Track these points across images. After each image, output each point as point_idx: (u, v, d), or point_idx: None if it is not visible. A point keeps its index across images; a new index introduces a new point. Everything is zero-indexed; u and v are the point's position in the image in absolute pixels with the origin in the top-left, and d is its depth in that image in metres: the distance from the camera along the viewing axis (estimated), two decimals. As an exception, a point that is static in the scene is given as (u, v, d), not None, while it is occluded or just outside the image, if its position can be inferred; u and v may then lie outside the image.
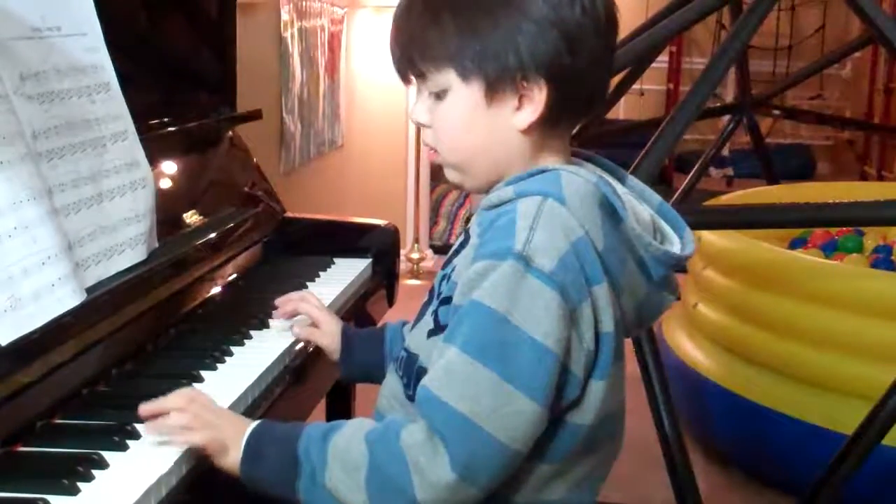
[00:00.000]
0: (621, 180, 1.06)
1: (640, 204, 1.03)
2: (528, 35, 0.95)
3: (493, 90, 0.98)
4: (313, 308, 1.31)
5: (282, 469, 0.97)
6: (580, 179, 0.96)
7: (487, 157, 1.02)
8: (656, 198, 1.06)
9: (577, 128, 1.08)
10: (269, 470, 0.97)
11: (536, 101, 0.98)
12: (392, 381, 1.08)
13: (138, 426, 1.03)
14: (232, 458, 0.99)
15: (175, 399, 1.02)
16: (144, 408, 1.01)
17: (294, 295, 1.35)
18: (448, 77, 0.99)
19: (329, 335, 1.28)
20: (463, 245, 1.01)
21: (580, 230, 0.94)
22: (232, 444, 0.99)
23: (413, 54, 1.00)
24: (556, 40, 0.96)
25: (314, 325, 1.31)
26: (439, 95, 1.01)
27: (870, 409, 1.89)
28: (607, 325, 0.96)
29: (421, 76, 1.01)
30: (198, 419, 1.00)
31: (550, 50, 0.96)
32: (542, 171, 0.98)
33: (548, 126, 1.00)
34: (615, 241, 0.97)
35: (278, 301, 1.35)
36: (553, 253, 0.92)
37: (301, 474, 0.96)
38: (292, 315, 1.34)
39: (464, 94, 0.99)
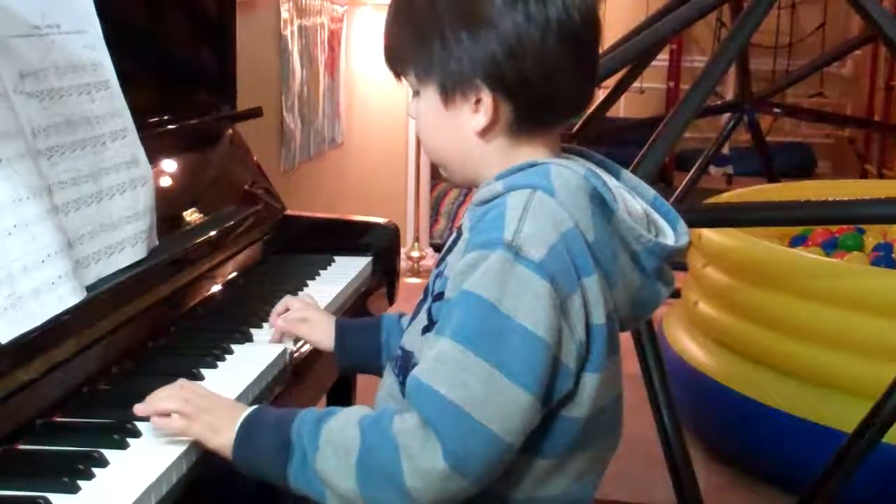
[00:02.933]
0: (615, 175, 1.06)
1: (632, 197, 1.04)
2: (466, 43, 0.97)
3: (445, 95, 1.01)
4: (301, 304, 1.32)
5: (274, 451, 0.97)
6: (570, 172, 0.97)
7: (457, 156, 1.05)
8: (650, 191, 1.07)
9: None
10: (262, 452, 0.98)
11: (486, 106, 0.99)
12: (389, 380, 1.08)
13: (139, 424, 1.03)
14: (224, 439, 0.99)
15: (166, 389, 1.03)
16: (139, 408, 1.02)
17: (285, 297, 1.37)
18: (412, 80, 1.04)
19: (318, 328, 1.29)
20: (455, 242, 1.02)
21: (570, 222, 0.94)
22: (225, 425, 0.99)
23: (388, 56, 1.06)
24: (493, 49, 0.97)
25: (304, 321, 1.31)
26: (415, 94, 1.05)
27: (870, 407, 1.89)
28: (599, 317, 0.96)
29: (401, 75, 1.05)
30: (189, 403, 1.01)
31: (488, 58, 0.97)
32: (532, 165, 0.98)
33: (510, 130, 1.01)
34: (606, 233, 0.97)
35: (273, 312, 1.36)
36: (542, 243, 0.92)
37: (292, 457, 0.96)
38: (283, 314, 1.34)
39: (426, 97, 1.03)
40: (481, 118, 1.00)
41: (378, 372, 1.13)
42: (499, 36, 0.96)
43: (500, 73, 0.97)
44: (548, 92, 0.99)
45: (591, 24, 1.00)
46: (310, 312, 1.31)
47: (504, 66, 0.97)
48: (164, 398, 1.02)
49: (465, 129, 1.01)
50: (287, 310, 1.33)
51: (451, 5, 0.98)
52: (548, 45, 0.97)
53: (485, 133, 1.01)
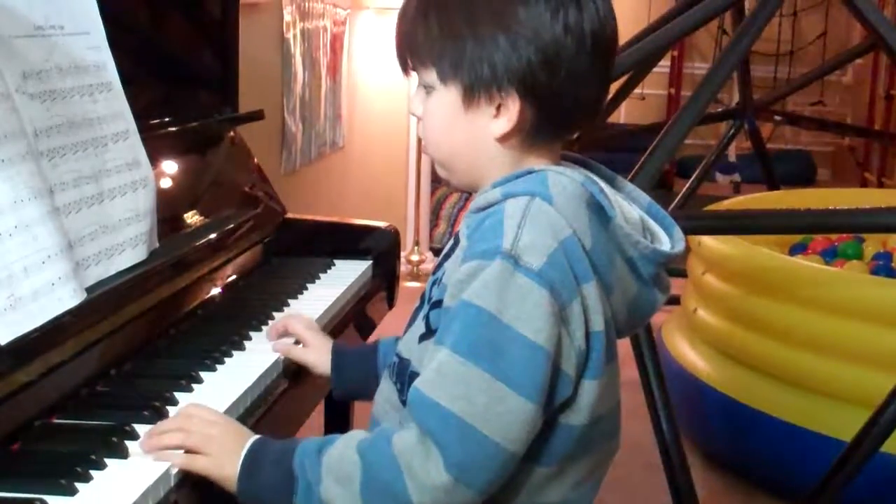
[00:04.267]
0: (611, 182, 1.06)
1: (628, 204, 1.03)
2: (503, 48, 0.96)
3: (469, 96, 0.99)
4: (301, 327, 1.31)
5: (278, 484, 0.96)
6: (567, 179, 0.97)
7: (466, 158, 1.03)
8: (645, 198, 1.07)
9: (574, 136, 1.08)
10: (266, 486, 0.97)
11: (511, 112, 0.98)
12: (386, 388, 1.08)
13: (137, 427, 1.03)
14: (228, 472, 0.98)
15: (172, 421, 1.02)
16: (142, 444, 1.00)
17: (283, 316, 1.36)
18: (431, 76, 1.01)
19: (316, 352, 1.27)
20: (452, 249, 1.02)
21: (568, 229, 0.94)
22: (229, 458, 0.98)
23: (404, 48, 1.03)
24: (531, 56, 0.96)
25: (302, 343, 1.30)
26: (428, 90, 1.03)
27: (869, 416, 1.89)
28: (597, 324, 0.96)
29: (413, 69, 1.03)
30: (192, 436, 0.99)
31: (524, 65, 0.96)
32: (529, 172, 0.98)
33: (528, 137, 1.00)
34: (603, 239, 0.97)
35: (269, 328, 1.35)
36: (541, 251, 0.92)
37: (297, 490, 0.95)
38: (283, 334, 1.33)
39: (445, 95, 1.01)
40: (503, 123, 0.99)
41: (373, 398, 1.13)
42: (537, 44, 0.96)
43: (532, 81, 0.97)
44: (572, 103, 0.99)
45: (615, 39, 1.01)
46: (308, 335, 1.29)
47: (538, 74, 0.96)
48: (168, 432, 1.00)
49: (481, 131, 1.00)
50: (285, 329, 1.32)
51: (490, 7, 0.97)
52: (581, 56, 0.97)
53: (504, 138, 1.00)
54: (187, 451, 0.99)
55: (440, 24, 0.99)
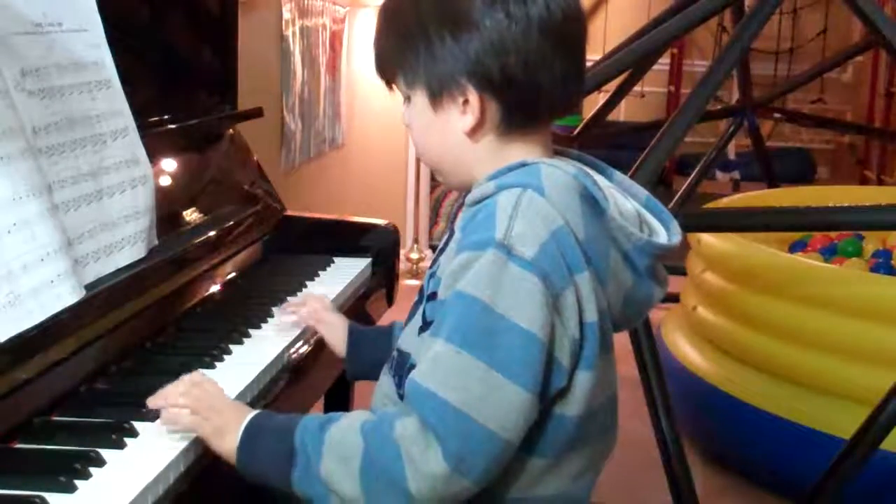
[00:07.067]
0: (607, 176, 1.07)
1: (624, 197, 1.04)
2: (449, 45, 0.98)
3: (433, 98, 1.02)
4: (321, 305, 1.33)
5: (278, 458, 0.97)
6: (559, 171, 0.97)
7: (449, 159, 1.05)
8: (643, 192, 1.07)
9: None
10: (265, 458, 0.98)
11: (473, 106, 1.00)
12: (385, 381, 1.09)
13: (136, 424, 1.03)
14: (229, 444, 0.99)
15: (178, 385, 1.04)
16: (151, 401, 1.04)
17: (305, 292, 1.38)
18: (402, 86, 1.04)
19: (332, 332, 1.30)
20: (447, 243, 1.03)
21: (560, 219, 0.95)
22: (230, 429, 1.00)
23: (377, 64, 1.07)
24: (476, 49, 0.98)
25: (318, 321, 1.32)
26: (406, 100, 1.05)
27: (868, 414, 1.89)
28: (591, 315, 0.96)
29: (393, 82, 1.06)
30: (198, 402, 1.01)
31: (472, 57, 0.98)
32: (523, 165, 0.99)
33: (500, 129, 1.01)
34: (596, 231, 0.97)
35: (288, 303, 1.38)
36: (533, 241, 0.93)
37: (296, 464, 0.96)
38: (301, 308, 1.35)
39: (416, 101, 1.04)
40: (469, 118, 1.00)
41: None
42: (481, 35, 0.97)
43: (484, 72, 0.98)
44: (533, 89, 1.00)
45: (573, 20, 1.01)
46: (325, 314, 1.32)
47: (488, 64, 0.98)
48: (177, 394, 1.03)
49: (454, 130, 1.02)
50: (303, 304, 1.34)
51: (434, 9, 1.00)
52: (530, 42, 0.98)
53: (473, 133, 1.01)
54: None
55: (397, 35, 1.03)
